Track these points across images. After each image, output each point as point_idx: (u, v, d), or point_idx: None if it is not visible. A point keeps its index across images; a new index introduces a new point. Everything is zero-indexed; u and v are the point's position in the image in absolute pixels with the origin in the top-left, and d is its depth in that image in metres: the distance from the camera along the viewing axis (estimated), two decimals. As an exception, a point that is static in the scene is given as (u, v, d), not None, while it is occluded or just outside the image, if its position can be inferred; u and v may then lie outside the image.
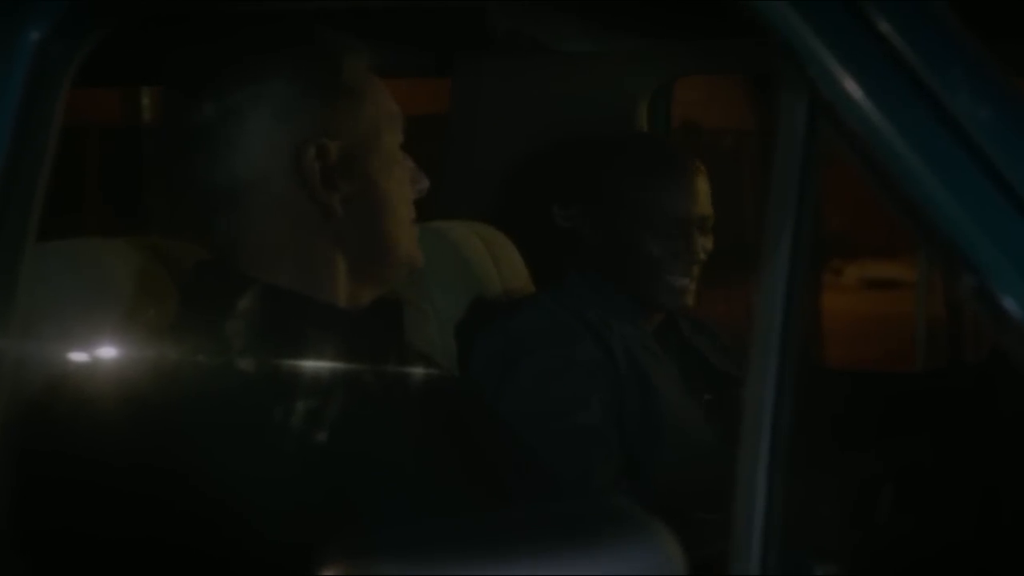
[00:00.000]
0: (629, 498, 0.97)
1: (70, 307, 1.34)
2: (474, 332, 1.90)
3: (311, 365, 1.25)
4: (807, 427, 0.89)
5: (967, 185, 0.83)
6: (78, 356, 1.27)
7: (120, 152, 6.96)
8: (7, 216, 1.08)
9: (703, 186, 1.96)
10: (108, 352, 1.29)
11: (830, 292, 7.21)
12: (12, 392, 1.11)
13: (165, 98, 1.37)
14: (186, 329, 1.27)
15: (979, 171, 0.83)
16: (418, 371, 1.39)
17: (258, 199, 1.29)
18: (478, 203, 2.35)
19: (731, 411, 1.86)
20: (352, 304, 1.33)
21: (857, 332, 6.39)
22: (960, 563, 1.72)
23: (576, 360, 1.82)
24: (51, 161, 1.11)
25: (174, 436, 1.15)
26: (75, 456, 1.15)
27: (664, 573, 0.84)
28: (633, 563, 0.84)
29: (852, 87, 0.85)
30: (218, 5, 1.28)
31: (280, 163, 1.28)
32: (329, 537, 0.86)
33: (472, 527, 0.87)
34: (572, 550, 0.84)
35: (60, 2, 1.08)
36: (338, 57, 1.33)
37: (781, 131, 0.89)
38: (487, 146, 2.37)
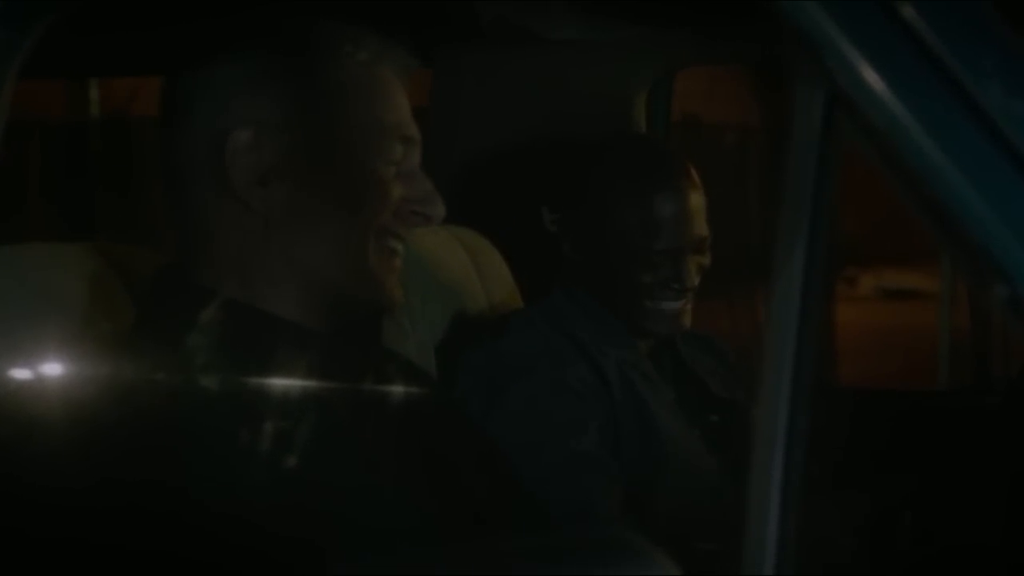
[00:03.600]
0: (629, 527, 0.97)
1: (14, 317, 1.34)
2: (458, 351, 1.90)
3: (263, 383, 1.24)
4: (821, 448, 0.89)
5: (998, 185, 0.84)
6: (23, 369, 1.27)
7: (67, 150, 6.95)
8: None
9: (699, 204, 1.91)
10: (55, 365, 1.29)
11: (844, 303, 7.23)
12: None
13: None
14: (141, 339, 1.28)
15: (1011, 170, 0.83)
16: (393, 392, 1.39)
17: (201, 196, 1.29)
18: (460, 206, 2.34)
19: (733, 436, 1.86)
20: (315, 323, 1.32)
21: (874, 346, 6.41)
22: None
23: (570, 384, 1.82)
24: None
25: (125, 454, 1.15)
26: (22, 475, 1.16)
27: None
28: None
29: (873, 78, 0.85)
30: None
31: (213, 154, 1.27)
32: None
33: (465, 557, 0.87)
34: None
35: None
36: (313, 50, 1.32)
37: (795, 127, 0.89)
38: (470, 144, 2.37)
